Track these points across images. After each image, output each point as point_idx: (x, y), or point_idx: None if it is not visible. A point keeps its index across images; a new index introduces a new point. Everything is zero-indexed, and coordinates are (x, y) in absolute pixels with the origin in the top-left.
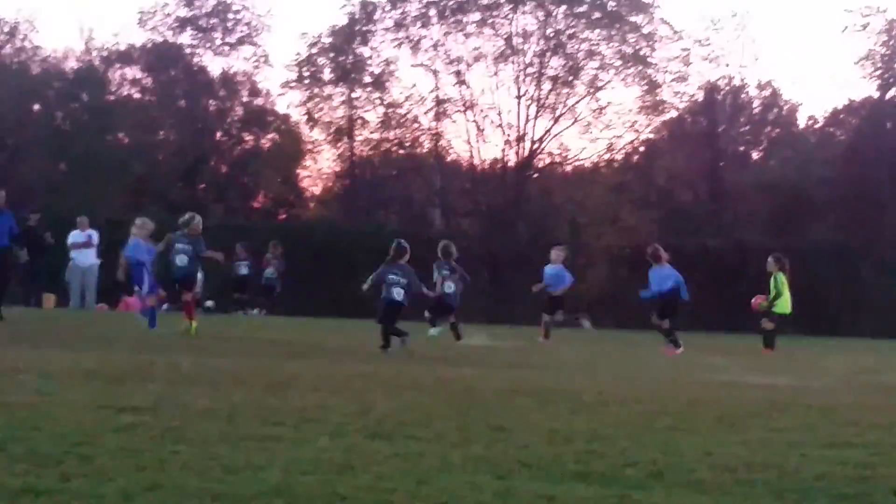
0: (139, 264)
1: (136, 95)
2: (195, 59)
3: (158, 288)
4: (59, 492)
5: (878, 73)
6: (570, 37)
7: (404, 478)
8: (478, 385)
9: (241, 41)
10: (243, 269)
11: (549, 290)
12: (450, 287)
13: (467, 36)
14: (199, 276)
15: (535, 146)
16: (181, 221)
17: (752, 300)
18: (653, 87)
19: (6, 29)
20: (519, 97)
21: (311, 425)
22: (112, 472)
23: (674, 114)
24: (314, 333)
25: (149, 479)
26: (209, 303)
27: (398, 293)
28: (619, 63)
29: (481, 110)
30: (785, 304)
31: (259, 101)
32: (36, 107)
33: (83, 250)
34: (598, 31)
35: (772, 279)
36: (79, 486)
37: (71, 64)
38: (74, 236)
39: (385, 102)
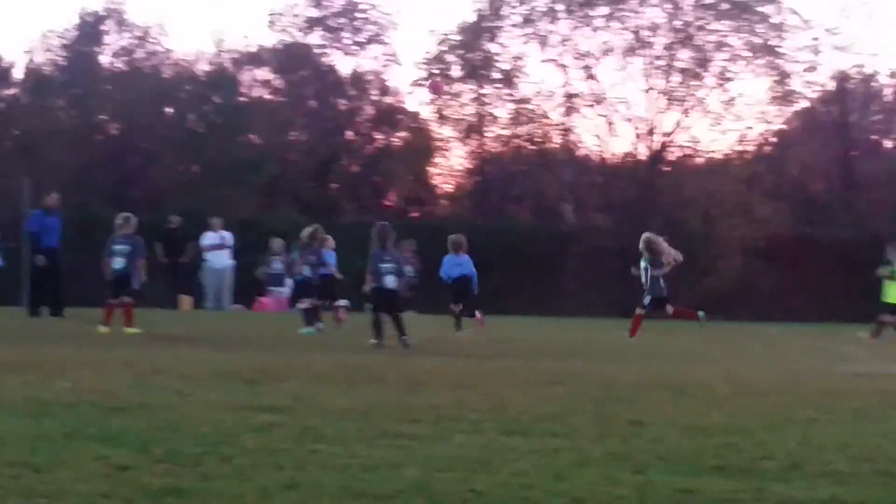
0: None
1: (267, 96)
2: (325, 59)
3: None
4: (200, 492)
5: None
6: (699, 28)
7: (541, 473)
8: (613, 379)
9: (369, 40)
10: None
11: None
12: (308, 270)
13: (595, 30)
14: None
15: (666, 139)
16: (117, 223)
17: None
18: (783, 77)
19: (138, 33)
20: (648, 90)
21: (447, 422)
22: (251, 472)
23: (805, 104)
24: (448, 330)
25: (287, 477)
26: (343, 301)
27: (390, 281)
28: (748, 54)
29: (611, 104)
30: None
31: (389, 100)
32: (168, 110)
33: (217, 252)
34: (726, 22)
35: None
36: (219, 485)
37: (202, 67)
38: (208, 238)
39: (514, 98)
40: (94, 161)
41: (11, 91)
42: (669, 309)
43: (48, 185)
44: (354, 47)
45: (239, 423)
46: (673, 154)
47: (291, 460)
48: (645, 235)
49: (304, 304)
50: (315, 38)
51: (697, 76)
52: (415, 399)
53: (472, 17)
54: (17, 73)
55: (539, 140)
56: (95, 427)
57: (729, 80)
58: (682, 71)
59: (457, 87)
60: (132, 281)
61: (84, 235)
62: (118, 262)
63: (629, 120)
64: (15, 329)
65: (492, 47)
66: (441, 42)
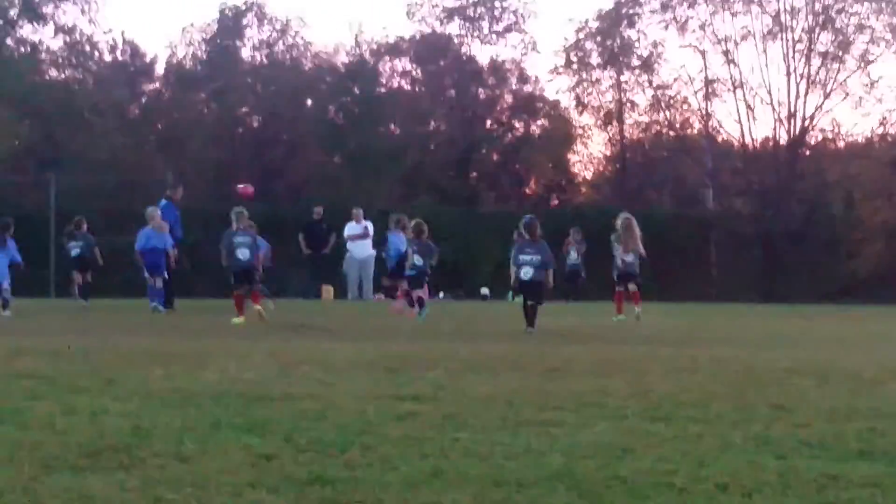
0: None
1: (407, 87)
2: (463, 49)
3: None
4: (345, 480)
5: None
6: (839, 11)
7: (685, 459)
8: (755, 364)
9: (508, 29)
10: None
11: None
12: (419, 261)
13: (734, 15)
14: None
15: (806, 123)
16: (234, 217)
17: None
18: None
19: (278, 26)
20: (788, 74)
21: (589, 409)
22: (395, 460)
23: None
24: (590, 317)
25: (431, 466)
26: (484, 290)
27: (527, 272)
28: (889, 36)
29: (751, 89)
30: None
31: (528, 88)
32: (309, 102)
33: (359, 242)
34: (867, 4)
35: None
36: (364, 474)
37: (342, 58)
38: (350, 228)
39: (654, 84)
40: (236, 154)
41: (154, 86)
42: (633, 287)
43: (191, 178)
44: (493, 36)
45: (382, 411)
46: (814, 138)
47: (435, 449)
48: (625, 216)
49: (417, 293)
50: (454, 27)
51: (838, 59)
52: (557, 386)
53: (611, 4)
54: (159, 68)
55: (679, 126)
56: (241, 417)
57: (870, 62)
58: (823, 54)
59: (595, 74)
60: (257, 272)
61: (227, 228)
62: (244, 254)
63: (769, 104)
64: (155, 322)
65: (630, 33)
66: (580, 29)
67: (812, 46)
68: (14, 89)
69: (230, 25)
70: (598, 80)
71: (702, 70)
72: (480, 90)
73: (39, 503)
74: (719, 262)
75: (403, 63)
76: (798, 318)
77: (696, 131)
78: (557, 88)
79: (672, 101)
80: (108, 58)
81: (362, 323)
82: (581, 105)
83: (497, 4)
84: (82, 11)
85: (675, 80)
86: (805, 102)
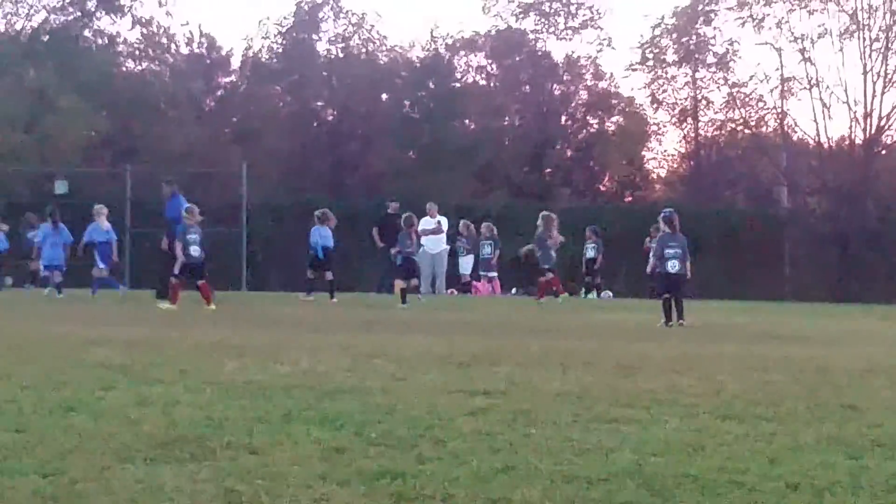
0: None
1: (482, 82)
2: (539, 45)
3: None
4: (415, 474)
5: None
6: None
7: (756, 458)
8: (829, 364)
9: (583, 25)
10: (591, 252)
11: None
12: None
13: (811, 13)
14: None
15: (883, 122)
16: (185, 214)
17: None
18: None
19: (353, 20)
20: (865, 73)
21: (661, 407)
22: (465, 455)
23: None
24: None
25: (501, 461)
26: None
27: (673, 265)
28: None
29: (827, 87)
30: None
31: (603, 85)
32: (384, 96)
33: (433, 237)
34: None
35: None
36: (433, 468)
37: (417, 53)
38: (424, 223)
39: (729, 82)
40: (311, 147)
41: (230, 78)
42: (549, 276)
43: (265, 171)
44: (568, 32)
45: (453, 406)
46: (890, 137)
47: (505, 444)
48: (545, 213)
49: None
50: (529, 22)
51: None
52: (628, 383)
53: (687, 1)
54: (235, 61)
55: (754, 124)
56: (312, 410)
57: None
58: None
59: (671, 71)
60: (205, 266)
61: (300, 221)
62: (196, 251)
63: (845, 103)
64: (228, 312)
65: (706, 31)
66: (656, 26)
67: (889, 45)
68: (91, 81)
69: (306, 19)
70: (673, 77)
71: (778, 68)
72: (555, 86)
73: (112, 493)
74: (793, 260)
75: (479, 58)
76: (872, 317)
77: (771, 130)
78: (632, 85)
79: (747, 99)
80: (184, 50)
81: (434, 317)
82: (656, 102)
83: (573, 0)
84: (159, 4)
85: (751, 77)
86: (882, 101)
